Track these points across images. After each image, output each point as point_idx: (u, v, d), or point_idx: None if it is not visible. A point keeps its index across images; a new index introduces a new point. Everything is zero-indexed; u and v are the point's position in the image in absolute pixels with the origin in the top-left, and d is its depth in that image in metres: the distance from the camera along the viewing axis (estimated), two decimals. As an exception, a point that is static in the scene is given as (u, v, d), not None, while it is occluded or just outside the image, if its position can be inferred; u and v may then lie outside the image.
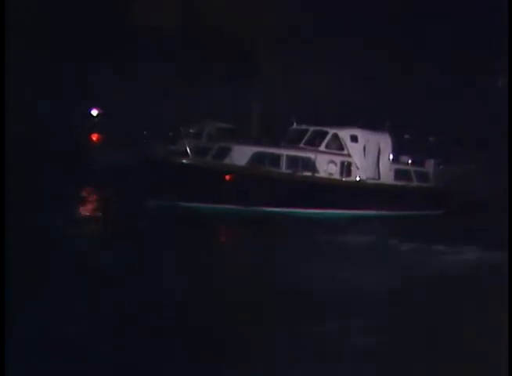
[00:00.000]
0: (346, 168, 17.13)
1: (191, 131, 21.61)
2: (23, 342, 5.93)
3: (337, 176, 16.98)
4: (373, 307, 8.30)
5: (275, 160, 16.33)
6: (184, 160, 15.41)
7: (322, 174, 16.70)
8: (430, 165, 19.34)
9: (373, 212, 17.21)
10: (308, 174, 16.47)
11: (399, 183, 18.12)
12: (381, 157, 17.89)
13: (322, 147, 17.01)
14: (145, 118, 24.71)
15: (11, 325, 5.39)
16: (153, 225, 13.03)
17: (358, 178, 17.27)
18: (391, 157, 18.23)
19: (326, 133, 17.29)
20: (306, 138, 17.30)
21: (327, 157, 16.92)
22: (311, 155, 16.62)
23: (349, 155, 17.28)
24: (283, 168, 16.33)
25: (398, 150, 18.71)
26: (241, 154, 16.00)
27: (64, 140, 22.21)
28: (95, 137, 25.08)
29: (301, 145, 17.17)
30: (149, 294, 8.22)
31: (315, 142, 17.17)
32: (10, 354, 5.07)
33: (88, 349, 6.18)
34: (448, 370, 6.34)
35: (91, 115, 27.99)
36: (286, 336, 6.95)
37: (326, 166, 16.83)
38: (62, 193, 15.92)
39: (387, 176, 17.96)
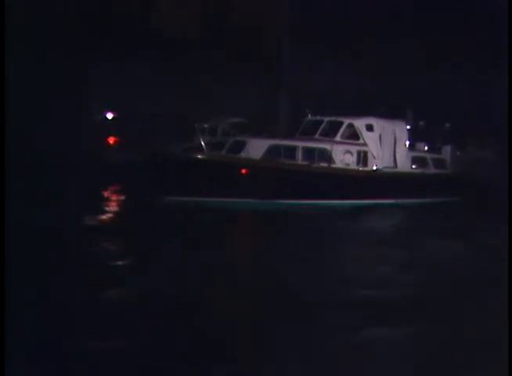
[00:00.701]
0: (362, 158, 17.03)
1: (205, 126, 21.69)
2: (22, 343, 5.80)
3: (353, 166, 16.90)
4: (395, 294, 8.25)
5: (291, 152, 16.29)
6: (199, 156, 15.46)
7: (338, 164, 16.63)
8: (447, 152, 19.14)
9: (391, 201, 17.09)
10: (325, 165, 16.42)
11: (416, 171, 17.99)
12: (397, 145, 17.76)
13: (338, 137, 16.92)
14: (159, 117, 24.79)
15: (11, 325, 5.29)
16: (170, 221, 13.03)
17: (375, 168, 17.16)
18: (408, 144, 18.09)
19: (341, 123, 17.20)
20: (321, 129, 17.22)
21: (343, 147, 16.84)
22: (327, 146, 16.55)
23: (365, 144, 17.16)
24: (299, 159, 16.29)
25: (414, 138, 18.54)
26: (256, 147, 16.00)
27: (83, 143, 22.42)
28: (111, 139, 25.38)
29: (317, 136, 17.10)
30: (172, 290, 8.09)
31: (330, 132, 17.09)
32: (10, 354, 5.00)
33: (89, 350, 5.99)
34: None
35: (107, 118, 28.36)
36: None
37: (343, 156, 16.75)
38: (84, 193, 16.10)
39: (403, 164, 17.84)
